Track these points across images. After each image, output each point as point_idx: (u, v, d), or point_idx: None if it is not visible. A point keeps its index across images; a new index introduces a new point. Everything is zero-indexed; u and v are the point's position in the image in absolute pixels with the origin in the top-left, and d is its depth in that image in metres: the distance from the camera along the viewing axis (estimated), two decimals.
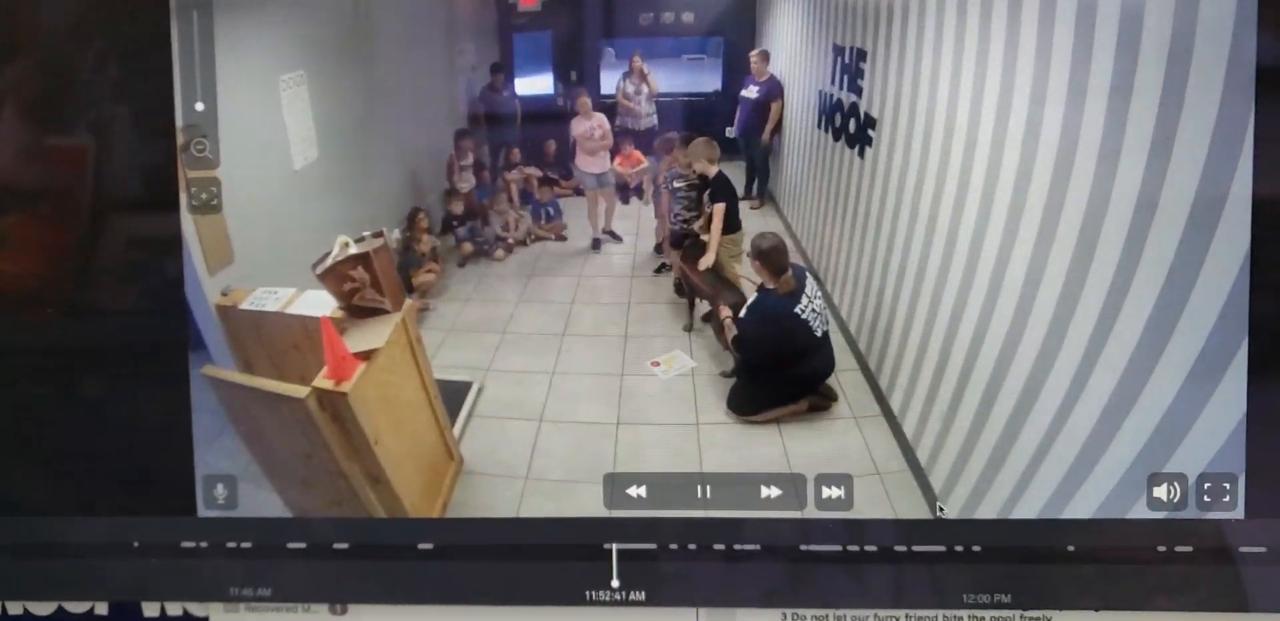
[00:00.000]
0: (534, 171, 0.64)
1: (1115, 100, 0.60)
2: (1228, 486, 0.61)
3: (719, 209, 0.65)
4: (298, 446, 0.67)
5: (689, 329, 0.67)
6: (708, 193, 0.65)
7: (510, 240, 0.65)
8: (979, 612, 0.65)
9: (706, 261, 0.64)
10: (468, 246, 0.65)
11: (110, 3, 0.65)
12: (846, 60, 0.62)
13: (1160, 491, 0.62)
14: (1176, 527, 0.62)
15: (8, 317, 0.69)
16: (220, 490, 0.67)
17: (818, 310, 0.66)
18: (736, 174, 0.66)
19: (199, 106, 0.64)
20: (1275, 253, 0.60)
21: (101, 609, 0.71)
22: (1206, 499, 0.62)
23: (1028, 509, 0.64)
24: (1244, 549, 0.62)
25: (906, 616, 0.65)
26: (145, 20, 0.65)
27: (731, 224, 0.66)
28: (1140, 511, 0.62)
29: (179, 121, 0.64)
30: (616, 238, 0.66)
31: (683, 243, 0.66)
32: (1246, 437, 0.61)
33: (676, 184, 0.65)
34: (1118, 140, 0.60)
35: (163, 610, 0.70)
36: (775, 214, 0.66)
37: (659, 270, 0.67)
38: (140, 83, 0.65)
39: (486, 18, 0.65)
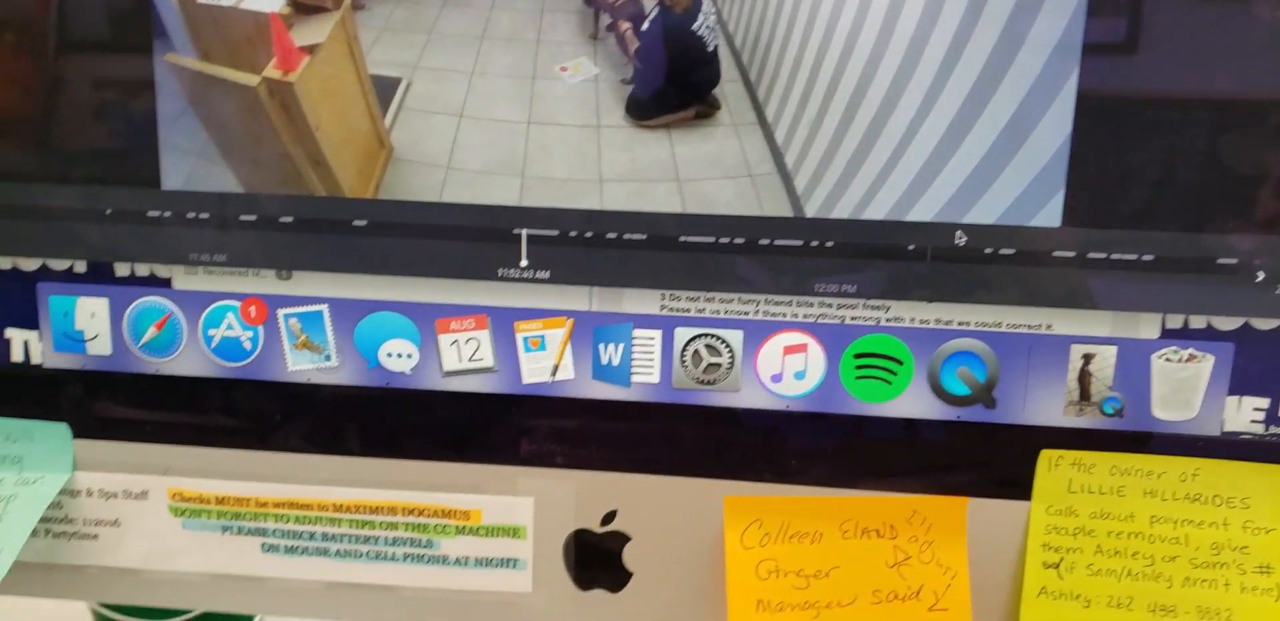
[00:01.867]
0: None
1: None
2: (1050, 198, 0.67)
3: None
4: (249, 129, 0.71)
5: (594, 37, 0.69)
6: None
7: None
8: (828, 300, 0.71)
9: None
10: None
11: None
12: None
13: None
14: (1003, 232, 0.67)
15: None
16: (182, 166, 0.73)
17: (711, 26, 0.68)
18: None
19: None
20: None
21: (80, 267, 0.77)
22: (1031, 207, 0.67)
23: (877, 211, 0.68)
24: (1057, 253, 0.67)
25: (766, 300, 0.72)
26: None
27: None
28: (973, 216, 0.68)
29: None
30: None
31: None
32: (1069, 157, 0.66)
33: None
34: None
35: (132, 271, 0.76)
36: None
37: None
38: None
39: None
